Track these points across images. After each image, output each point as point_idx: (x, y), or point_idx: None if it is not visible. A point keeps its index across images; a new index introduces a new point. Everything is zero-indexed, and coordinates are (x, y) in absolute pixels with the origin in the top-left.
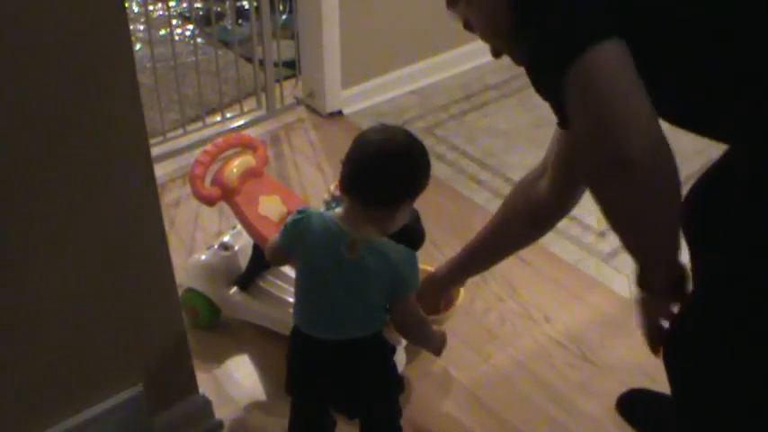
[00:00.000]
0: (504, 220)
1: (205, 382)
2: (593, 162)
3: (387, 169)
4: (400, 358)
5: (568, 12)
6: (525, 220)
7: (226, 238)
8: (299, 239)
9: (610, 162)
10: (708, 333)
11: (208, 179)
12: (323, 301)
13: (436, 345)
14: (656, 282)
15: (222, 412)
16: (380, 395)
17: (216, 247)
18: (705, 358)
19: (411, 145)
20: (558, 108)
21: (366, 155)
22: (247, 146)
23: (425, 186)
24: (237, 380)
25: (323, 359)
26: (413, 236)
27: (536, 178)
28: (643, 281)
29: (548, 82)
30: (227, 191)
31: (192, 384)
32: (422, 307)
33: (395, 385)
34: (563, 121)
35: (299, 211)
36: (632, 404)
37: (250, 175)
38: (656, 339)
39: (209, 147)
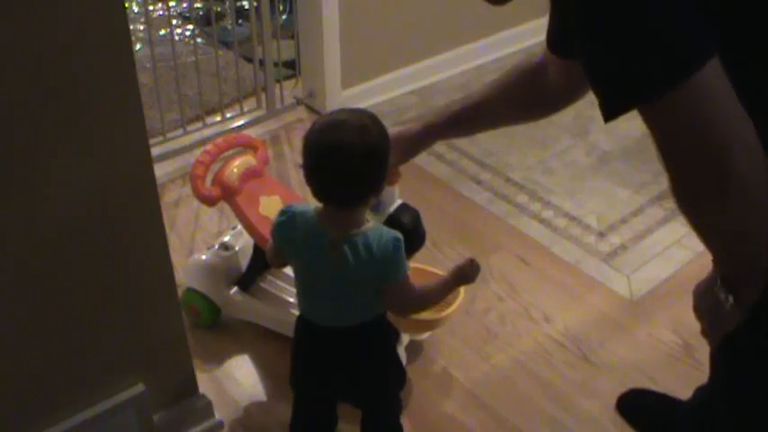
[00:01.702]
0: (504, 89)
1: (205, 382)
2: (697, 184)
3: (341, 178)
4: (401, 357)
5: (672, 26)
6: (530, 98)
7: (226, 238)
8: (288, 240)
9: (716, 184)
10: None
11: (208, 179)
12: (319, 294)
13: (466, 280)
14: (750, 297)
15: (222, 412)
16: (383, 380)
17: (216, 246)
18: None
19: (360, 139)
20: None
21: (317, 165)
22: (248, 146)
23: (388, 163)
24: (238, 380)
25: (327, 345)
26: (414, 237)
27: (537, 67)
28: (742, 295)
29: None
30: (228, 191)
31: (192, 384)
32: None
33: (397, 375)
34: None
35: (282, 212)
36: (632, 404)
37: (251, 174)
38: (718, 341)
39: (209, 147)
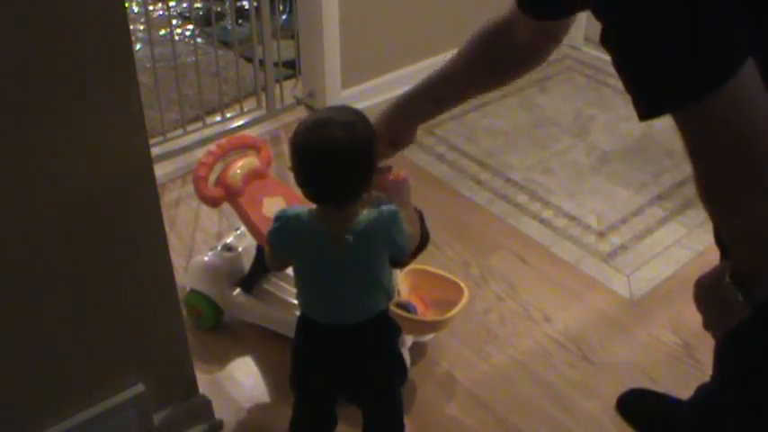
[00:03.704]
0: (475, 62)
1: (205, 383)
2: (732, 184)
3: (331, 176)
4: (405, 357)
5: (715, 25)
6: (497, 63)
7: (229, 240)
8: (286, 244)
9: (753, 184)
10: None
11: (211, 180)
12: (322, 292)
13: (404, 192)
14: (763, 295)
15: (222, 412)
16: (385, 376)
17: (219, 248)
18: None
19: (347, 136)
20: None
21: (306, 166)
22: (251, 147)
23: (377, 157)
24: (238, 380)
25: (329, 343)
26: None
27: (504, 28)
28: (754, 292)
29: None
30: (231, 192)
31: (192, 384)
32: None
33: (399, 370)
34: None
35: (277, 219)
36: (632, 404)
37: (254, 176)
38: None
39: (212, 148)
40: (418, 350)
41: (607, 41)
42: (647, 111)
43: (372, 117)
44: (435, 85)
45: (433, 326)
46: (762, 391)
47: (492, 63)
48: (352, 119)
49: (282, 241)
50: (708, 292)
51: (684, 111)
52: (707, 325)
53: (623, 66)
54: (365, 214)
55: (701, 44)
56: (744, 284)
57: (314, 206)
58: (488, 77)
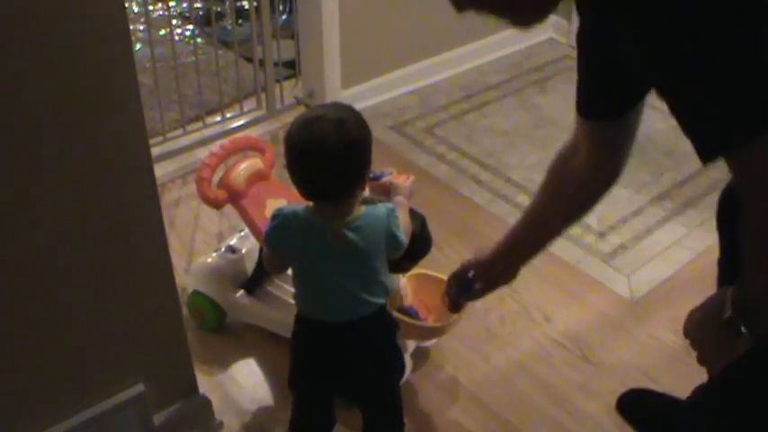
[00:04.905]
0: (546, 200)
1: (206, 383)
2: None
3: (323, 173)
4: (406, 363)
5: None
6: (570, 198)
7: (232, 242)
8: (285, 242)
9: None
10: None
11: (214, 182)
12: (323, 289)
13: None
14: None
15: (223, 413)
16: (384, 371)
17: (223, 250)
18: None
19: (337, 133)
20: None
21: (298, 163)
22: (254, 148)
23: (371, 153)
24: (239, 381)
25: (328, 341)
26: (420, 242)
27: (569, 156)
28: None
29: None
30: (234, 194)
31: (192, 385)
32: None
33: (398, 364)
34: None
35: (274, 217)
36: (632, 404)
37: (257, 177)
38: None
39: (215, 149)
40: (420, 353)
41: (665, 92)
42: (709, 152)
43: (476, 254)
44: (524, 233)
45: (436, 331)
46: (751, 393)
47: (563, 203)
48: (343, 116)
49: (280, 239)
50: (703, 327)
51: (746, 148)
52: (702, 359)
53: (681, 110)
54: (362, 210)
55: (756, 78)
56: (750, 316)
57: (311, 203)
58: (563, 219)
